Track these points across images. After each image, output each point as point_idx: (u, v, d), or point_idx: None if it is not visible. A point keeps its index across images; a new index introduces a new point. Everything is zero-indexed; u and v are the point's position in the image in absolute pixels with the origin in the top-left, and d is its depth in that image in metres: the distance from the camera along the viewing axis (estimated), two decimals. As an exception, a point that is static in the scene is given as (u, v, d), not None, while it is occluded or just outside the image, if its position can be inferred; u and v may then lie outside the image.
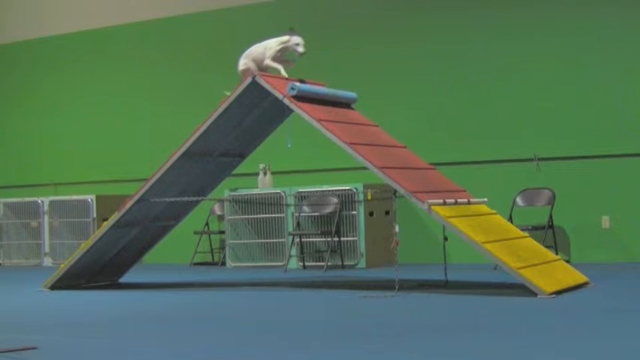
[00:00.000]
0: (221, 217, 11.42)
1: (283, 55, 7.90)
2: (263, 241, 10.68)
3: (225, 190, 10.65)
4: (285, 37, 7.82)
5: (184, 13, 12.13)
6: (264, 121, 8.44)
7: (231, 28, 11.80)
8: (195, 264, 11.38)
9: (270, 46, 7.88)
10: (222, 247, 11.34)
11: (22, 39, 13.42)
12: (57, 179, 12.91)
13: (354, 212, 10.11)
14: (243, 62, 7.99)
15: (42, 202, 12.13)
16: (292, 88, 7.58)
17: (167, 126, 11.95)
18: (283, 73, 7.83)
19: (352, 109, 8.38)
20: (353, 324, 5.76)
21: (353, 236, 10.13)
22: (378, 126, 8.24)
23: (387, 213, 10.28)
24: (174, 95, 12.10)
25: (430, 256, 10.04)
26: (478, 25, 10.31)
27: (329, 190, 10.21)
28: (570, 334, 5.00)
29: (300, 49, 7.77)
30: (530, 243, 7.40)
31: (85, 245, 8.27)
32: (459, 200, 7.37)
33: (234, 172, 9.06)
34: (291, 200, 10.38)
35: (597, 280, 7.43)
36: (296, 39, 7.78)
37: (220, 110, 7.81)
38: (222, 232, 11.19)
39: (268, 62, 7.85)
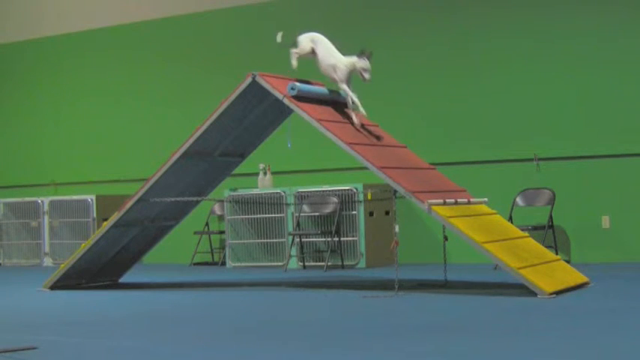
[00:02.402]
0: (221, 217, 11.41)
1: (350, 77, 7.77)
2: (263, 241, 10.68)
3: (225, 190, 10.65)
4: (354, 59, 7.67)
5: (184, 13, 12.13)
6: (264, 121, 8.44)
7: (231, 28, 11.80)
8: (195, 264, 11.38)
9: (339, 66, 7.72)
10: (222, 247, 11.34)
11: (22, 39, 13.41)
12: (57, 179, 12.91)
13: (354, 212, 10.11)
14: (305, 43, 7.89)
15: (42, 202, 12.13)
16: (292, 88, 7.58)
17: (167, 126, 11.95)
18: (358, 104, 7.72)
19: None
20: (353, 324, 5.76)
21: (353, 236, 10.12)
22: (378, 126, 8.24)
23: (387, 213, 10.28)
24: (174, 95, 12.10)
25: (430, 256, 10.04)
26: (478, 25, 10.31)
27: (329, 190, 10.21)
28: (570, 334, 5.00)
29: (367, 76, 7.61)
30: (530, 243, 7.40)
31: (85, 245, 8.27)
32: (458, 200, 7.37)
33: (234, 172, 9.06)
34: (291, 200, 10.38)
35: (597, 280, 7.43)
36: (364, 64, 7.61)
37: (220, 110, 7.81)
38: (222, 232, 11.18)
39: (344, 87, 7.73)
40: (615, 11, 9.70)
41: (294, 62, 7.92)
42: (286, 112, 7.96)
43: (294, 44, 7.95)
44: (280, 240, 10.54)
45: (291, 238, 10.27)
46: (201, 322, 6.07)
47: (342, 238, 10.13)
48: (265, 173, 10.83)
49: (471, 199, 7.58)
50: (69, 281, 8.47)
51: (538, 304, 6.20)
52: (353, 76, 7.78)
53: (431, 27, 10.58)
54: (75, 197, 11.95)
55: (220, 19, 11.87)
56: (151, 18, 12.35)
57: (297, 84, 7.63)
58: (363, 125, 7.91)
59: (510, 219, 9.28)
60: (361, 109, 7.81)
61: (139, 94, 12.38)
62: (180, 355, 4.78)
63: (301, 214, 10.31)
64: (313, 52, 7.90)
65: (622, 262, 9.42)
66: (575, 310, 5.97)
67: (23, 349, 4.84)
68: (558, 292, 6.67)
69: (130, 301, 7.51)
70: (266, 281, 8.81)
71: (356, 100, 7.80)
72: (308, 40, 7.92)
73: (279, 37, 7.97)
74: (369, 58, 7.64)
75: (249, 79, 7.67)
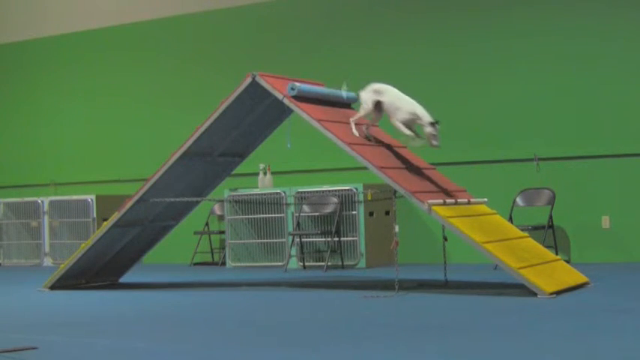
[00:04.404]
0: (221, 217, 11.42)
1: (413, 126, 7.53)
2: (263, 241, 10.68)
3: (225, 190, 10.65)
4: (427, 119, 7.41)
5: (184, 13, 12.13)
6: (264, 121, 8.44)
7: (231, 28, 11.81)
8: (196, 264, 11.38)
9: (402, 112, 7.47)
10: (222, 247, 11.34)
11: (22, 39, 13.42)
12: (57, 179, 12.91)
13: (354, 212, 10.11)
14: (367, 96, 7.62)
15: (42, 202, 12.13)
16: (292, 89, 7.58)
17: (167, 126, 11.95)
18: (411, 140, 7.48)
19: (352, 109, 8.38)
20: (353, 324, 5.76)
21: (353, 236, 10.12)
22: (377, 126, 8.24)
23: (387, 213, 10.28)
24: (174, 95, 12.10)
25: (430, 256, 10.04)
26: (478, 25, 10.31)
27: (329, 190, 10.21)
28: (570, 334, 5.00)
29: (435, 143, 7.36)
30: (530, 243, 7.40)
31: (85, 245, 8.27)
32: (458, 200, 7.37)
33: (234, 172, 9.06)
34: (291, 200, 10.37)
35: (597, 280, 7.43)
36: (433, 130, 7.34)
37: (220, 110, 7.81)
38: (222, 232, 11.18)
39: (399, 125, 7.49)
40: (616, 11, 9.70)
41: (356, 131, 7.62)
42: (286, 112, 7.96)
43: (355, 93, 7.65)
44: (280, 240, 10.53)
45: (291, 238, 10.27)
46: (201, 322, 6.07)
47: (342, 238, 10.13)
48: (265, 173, 10.83)
49: (471, 199, 7.58)
50: (69, 281, 8.47)
51: (538, 304, 6.20)
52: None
53: (431, 27, 10.58)
54: (75, 197, 11.96)
55: (220, 19, 11.87)
56: (150, 18, 12.35)
57: (297, 84, 7.63)
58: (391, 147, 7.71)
59: (510, 219, 9.28)
60: (415, 142, 7.56)
61: (139, 94, 12.39)
62: (180, 355, 4.78)
63: (301, 214, 10.31)
64: (377, 105, 7.64)
65: (622, 262, 9.43)
66: (575, 310, 5.97)
67: (23, 349, 4.84)
68: (558, 292, 6.67)
69: (130, 301, 7.51)
70: (266, 281, 8.81)
71: (411, 139, 7.53)
72: (371, 94, 7.65)
73: (344, 87, 7.77)
74: (438, 125, 7.39)
75: (249, 79, 7.68)
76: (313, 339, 5.16)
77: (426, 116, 7.46)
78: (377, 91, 7.68)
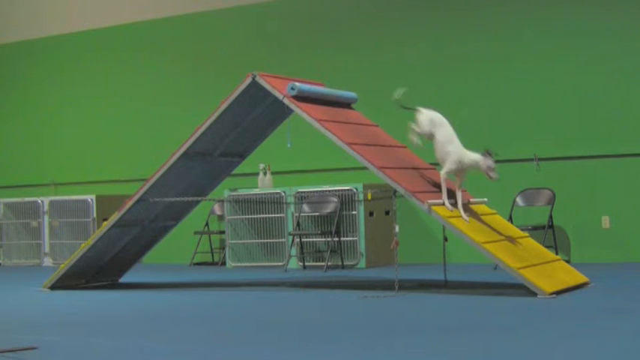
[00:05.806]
0: (221, 217, 11.41)
1: (462, 173, 7.28)
2: (263, 241, 10.68)
3: (225, 190, 10.65)
4: (477, 157, 7.14)
5: (184, 13, 12.13)
6: (264, 121, 8.44)
7: (231, 28, 11.80)
8: (195, 264, 11.38)
9: (453, 156, 7.21)
10: (222, 247, 11.34)
11: (23, 39, 13.42)
12: (57, 179, 12.91)
13: (354, 212, 10.11)
14: (425, 123, 7.35)
15: (42, 202, 12.13)
16: (292, 88, 7.58)
17: (167, 126, 11.95)
18: (447, 203, 7.13)
19: (352, 109, 8.39)
20: (353, 324, 5.76)
21: (353, 236, 10.12)
22: (377, 126, 8.25)
23: (387, 213, 10.28)
24: (174, 95, 12.10)
25: (430, 256, 10.04)
26: (477, 25, 10.31)
27: (329, 190, 10.21)
28: (570, 334, 5.00)
29: (493, 175, 7.09)
30: (530, 243, 7.40)
31: (85, 245, 8.27)
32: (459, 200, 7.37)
33: (234, 172, 9.06)
34: (291, 200, 10.37)
35: (597, 280, 7.43)
36: (490, 163, 7.10)
37: (220, 110, 7.81)
38: (222, 232, 11.18)
39: (444, 177, 7.25)
40: (616, 11, 9.70)
41: (414, 139, 7.45)
42: (286, 112, 7.96)
43: (409, 108, 7.49)
44: (280, 240, 10.53)
45: (291, 238, 10.27)
46: (201, 322, 6.07)
47: (342, 238, 10.13)
48: (265, 173, 10.83)
49: (471, 199, 7.58)
50: (69, 281, 8.47)
51: (538, 304, 6.20)
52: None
53: (431, 27, 10.58)
54: (75, 197, 11.95)
55: (220, 19, 11.87)
56: (151, 18, 12.35)
57: (297, 84, 7.63)
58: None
59: (510, 219, 9.28)
60: (459, 201, 7.26)
61: (139, 94, 12.39)
62: (180, 354, 4.78)
63: (301, 214, 10.31)
64: (431, 134, 7.40)
65: (622, 262, 9.43)
66: (575, 310, 5.97)
67: (23, 349, 4.84)
68: (558, 292, 6.67)
69: (130, 301, 7.51)
70: (266, 281, 8.81)
71: (447, 202, 7.16)
72: (427, 122, 7.38)
73: (397, 94, 7.54)
74: (491, 155, 7.15)
75: (249, 79, 7.68)
76: (313, 339, 5.16)
77: (474, 156, 7.21)
78: (434, 123, 7.40)
